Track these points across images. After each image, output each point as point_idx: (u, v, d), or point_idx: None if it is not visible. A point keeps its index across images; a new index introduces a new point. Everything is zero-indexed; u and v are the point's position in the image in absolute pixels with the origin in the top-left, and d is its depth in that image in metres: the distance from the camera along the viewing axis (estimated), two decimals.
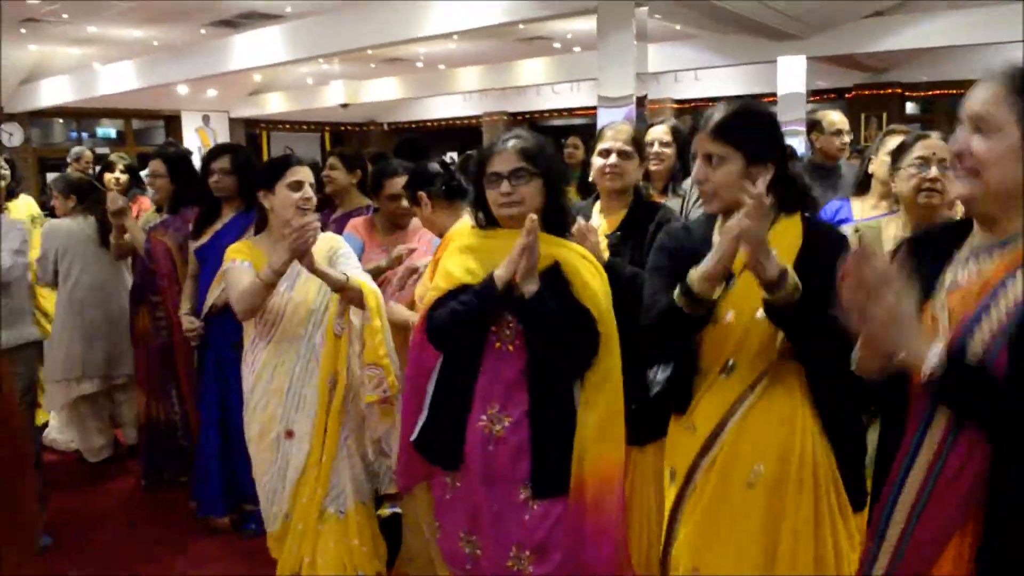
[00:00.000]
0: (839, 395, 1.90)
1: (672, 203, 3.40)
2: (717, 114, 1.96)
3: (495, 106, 16.58)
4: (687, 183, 3.36)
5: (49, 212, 7.45)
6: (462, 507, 2.29)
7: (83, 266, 4.68)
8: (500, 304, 2.17)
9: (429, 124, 18.31)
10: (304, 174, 2.89)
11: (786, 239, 1.95)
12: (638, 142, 2.92)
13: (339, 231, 3.60)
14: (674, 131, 3.72)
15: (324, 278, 2.79)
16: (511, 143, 2.26)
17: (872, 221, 3.01)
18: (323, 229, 2.93)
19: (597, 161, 2.88)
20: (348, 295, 2.85)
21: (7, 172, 5.29)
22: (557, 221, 2.27)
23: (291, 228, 2.64)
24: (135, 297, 4.46)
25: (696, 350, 2.04)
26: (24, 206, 5.54)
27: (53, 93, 12.96)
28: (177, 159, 4.41)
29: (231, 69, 10.58)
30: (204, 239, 3.86)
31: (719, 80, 13.25)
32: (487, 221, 2.34)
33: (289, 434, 2.89)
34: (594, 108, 7.15)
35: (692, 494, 2.00)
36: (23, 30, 10.36)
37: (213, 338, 3.75)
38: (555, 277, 2.20)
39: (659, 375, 2.22)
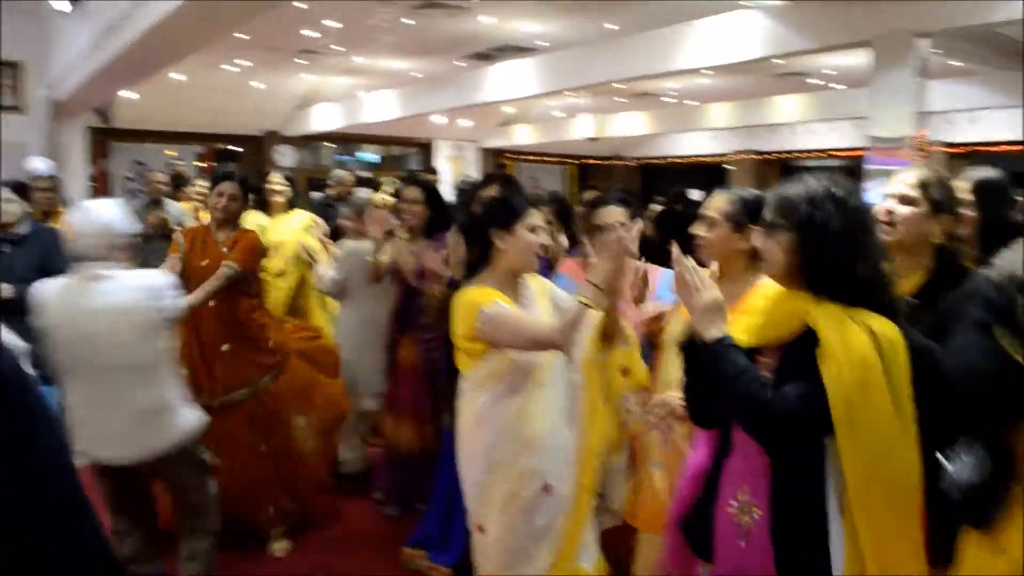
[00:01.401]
0: None
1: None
2: None
3: (744, 144, 16.01)
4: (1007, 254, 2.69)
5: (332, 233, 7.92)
6: None
7: (365, 288, 4.74)
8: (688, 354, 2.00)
9: (675, 160, 18.01)
10: (540, 218, 2.77)
11: None
12: (931, 188, 2.43)
13: None
14: (979, 186, 2.90)
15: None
16: (773, 193, 1.97)
17: None
18: None
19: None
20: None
21: (287, 188, 5.71)
22: (819, 281, 1.86)
23: (611, 248, 2.51)
24: (399, 323, 4.46)
25: (1013, 445, 1.63)
26: (296, 219, 5.86)
27: (323, 119, 13.93)
28: (434, 186, 4.47)
29: (484, 100, 10.86)
30: None
31: (998, 122, 11.99)
32: None
33: (547, 488, 2.63)
34: (853, 149, 6.60)
35: None
36: (301, 60, 11.17)
37: None
38: (806, 345, 1.81)
39: (964, 473, 1.78)
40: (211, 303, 3.89)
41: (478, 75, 10.75)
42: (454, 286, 3.05)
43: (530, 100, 13.03)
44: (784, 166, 16.09)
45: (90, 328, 2.94)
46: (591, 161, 19.01)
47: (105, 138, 13.12)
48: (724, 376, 1.81)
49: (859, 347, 1.72)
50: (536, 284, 2.80)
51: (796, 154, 15.74)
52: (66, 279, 3.03)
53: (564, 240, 4.29)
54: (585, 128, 15.04)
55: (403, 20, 8.78)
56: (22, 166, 7.32)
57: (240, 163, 15.13)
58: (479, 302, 2.58)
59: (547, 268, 3.52)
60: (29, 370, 1.64)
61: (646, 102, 14.05)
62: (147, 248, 6.78)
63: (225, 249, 4.02)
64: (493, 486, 2.64)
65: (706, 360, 1.86)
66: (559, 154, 18.55)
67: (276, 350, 4.14)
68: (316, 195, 9.54)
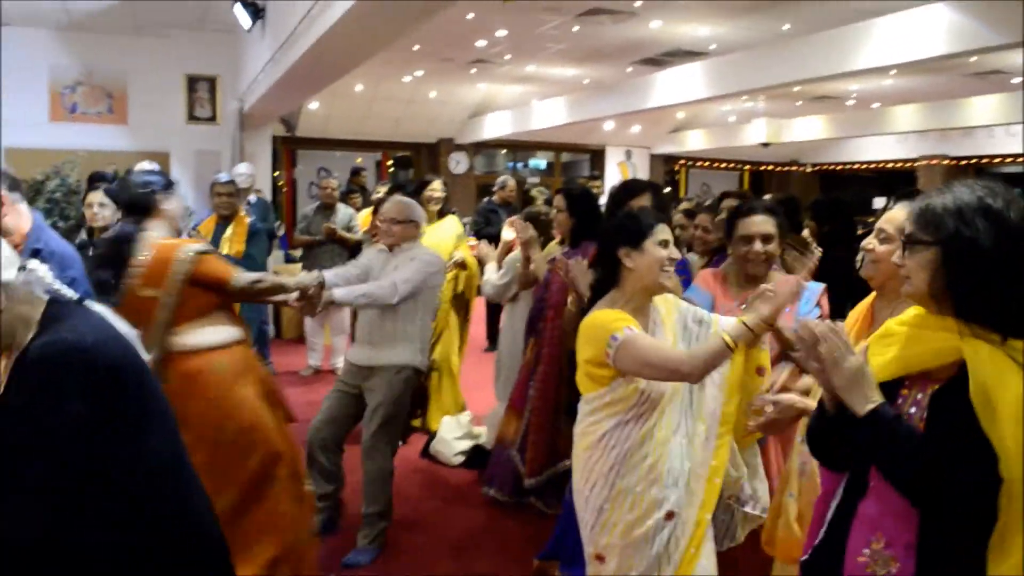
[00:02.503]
0: None
1: None
2: None
3: (934, 149, 15.03)
4: None
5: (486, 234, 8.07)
6: None
7: (523, 295, 4.79)
8: (833, 422, 1.68)
9: (856, 167, 17.15)
10: (669, 232, 2.65)
11: None
12: None
13: None
14: None
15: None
16: (916, 200, 1.70)
17: None
18: None
19: None
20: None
21: (442, 195, 5.83)
22: (968, 307, 1.58)
23: (780, 289, 2.40)
24: (530, 327, 4.52)
25: None
26: (448, 225, 5.99)
27: (495, 126, 14.19)
28: (578, 194, 4.41)
29: (654, 105, 10.72)
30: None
31: None
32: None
33: (669, 516, 2.52)
34: None
35: None
36: (473, 70, 11.43)
37: None
38: (964, 394, 1.54)
39: None
40: None
41: (648, 80, 10.63)
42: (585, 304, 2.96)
43: (702, 105, 12.76)
44: (979, 171, 15.00)
45: None
46: (766, 167, 18.41)
47: (292, 146, 13.91)
48: (883, 454, 1.61)
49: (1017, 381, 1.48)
50: (664, 305, 2.69)
51: (993, 159, 14.61)
52: None
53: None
54: (759, 133, 14.58)
55: (571, 28, 8.81)
56: (215, 172, 7.87)
57: (414, 170, 15.68)
58: (610, 327, 2.48)
59: (687, 277, 3.41)
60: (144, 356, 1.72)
61: (825, 105, 13.46)
62: (319, 250, 7.17)
63: None
64: (615, 512, 2.54)
65: (858, 431, 1.63)
66: (732, 160, 18.07)
67: None
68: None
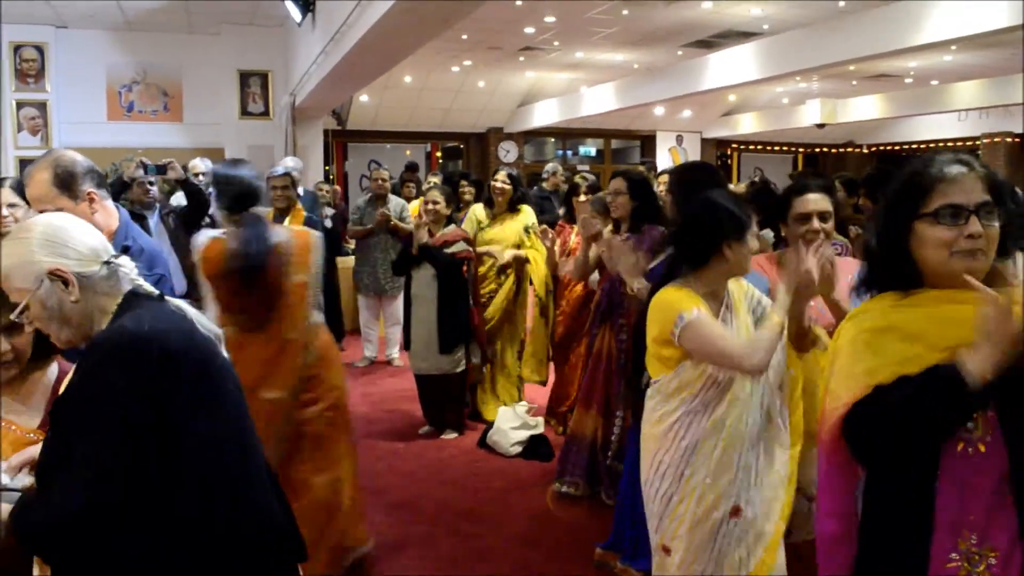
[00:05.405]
0: None
1: None
2: None
3: (996, 126, 14.60)
4: None
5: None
6: None
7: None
8: (970, 407, 1.51)
9: (915, 146, 16.75)
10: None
11: None
12: None
13: None
14: None
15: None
16: (973, 166, 1.61)
17: None
18: None
19: None
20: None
21: (509, 187, 5.80)
22: None
23: (801, 265, 2.33)
24: (598, 313, 4.47)
25: None
26: (521, 217, 5.98)
27: (544, 115, 14.12)
28: (639, 178, 4.36)
29: (705, 88, 10.57)
30: (658, 259, 3.67)
31: None
32: (906, 281, 1.65)
33: (736, 511, 2.45)
34: None
35: None
36: (521, 59, 11.38)
37: None
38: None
39: None
40: None
41: (699, 63, 10.47)
42: (655, 281, 2.88)
43: (755, 87, 12.56)
44: None
45: None
46: (821, 149, 18.07)
47: (342, 139, 13.99)
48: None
49: None
50: (737, 289, 2.62)
51: None
52: None
53: (770, 234, 4.04)
54: (813, 114, 14.28)
55: (621, 11, 8.71)
56: (268, 166, 7.94)
57: (464, 160, 15.68)
58: (678, 306, 2.43)
59: None
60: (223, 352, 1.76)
61: (882, 84, 13.15)
62: (372, 241, 7.18)
63: None
64: (681, 503, 2.48)
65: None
66: (786, 142, 17.77)
67: None
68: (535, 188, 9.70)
